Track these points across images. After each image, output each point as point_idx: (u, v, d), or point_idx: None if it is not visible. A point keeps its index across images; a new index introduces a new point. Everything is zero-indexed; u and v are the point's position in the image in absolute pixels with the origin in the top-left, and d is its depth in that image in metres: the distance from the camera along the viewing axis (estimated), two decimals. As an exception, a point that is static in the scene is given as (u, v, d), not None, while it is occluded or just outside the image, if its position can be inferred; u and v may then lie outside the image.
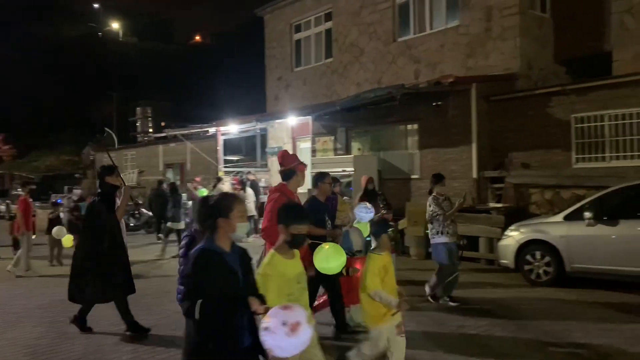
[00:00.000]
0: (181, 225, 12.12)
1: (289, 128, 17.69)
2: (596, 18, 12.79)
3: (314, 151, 16.67)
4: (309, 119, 16.22)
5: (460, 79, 12.06)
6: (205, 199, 3.22)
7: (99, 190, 6.15)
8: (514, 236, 8.75)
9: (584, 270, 7.97)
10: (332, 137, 16.20)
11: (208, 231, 3.00)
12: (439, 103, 12.73)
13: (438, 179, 7.41)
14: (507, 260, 8.78)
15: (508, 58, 12.80)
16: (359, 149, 15.60)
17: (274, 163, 18.54)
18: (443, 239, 7.10)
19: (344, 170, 13.04)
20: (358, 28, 16.49)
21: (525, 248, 8.55)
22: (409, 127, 14.15)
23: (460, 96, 12.37)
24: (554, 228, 8.31)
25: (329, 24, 17.74)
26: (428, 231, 7.42)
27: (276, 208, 4.97)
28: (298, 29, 19.17)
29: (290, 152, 16.78)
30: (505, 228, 9.37)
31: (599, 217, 7.82)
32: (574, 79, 13.27)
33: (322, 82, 17.70)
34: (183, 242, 4.25)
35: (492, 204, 11.47)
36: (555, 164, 11.34)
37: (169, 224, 12.43)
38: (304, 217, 3.51)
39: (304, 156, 17.02)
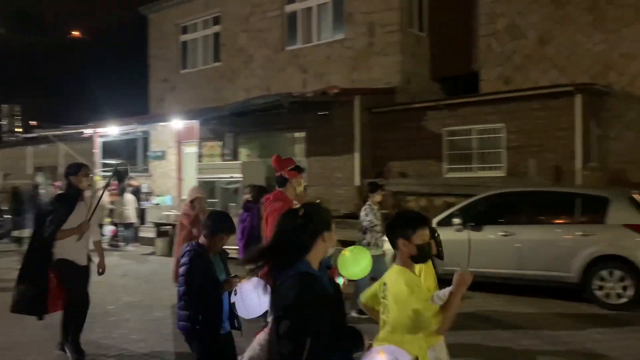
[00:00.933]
0: (25, 232, 11.14)
1: (174, 132, 17.17)
2: (467, 40, 13.95)
3: (200, 156, 16.33)
4: (195, 123, 15.87)
5: (345, 91, 12.54)
6: (293, 211, 2.56)
7: None
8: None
9: (452, 273, 8.58)
10: (220, 143, 16.00)
11: (297, 251, 2.39)
12: (325, 113, 13.11)
13: (374, 187, 7.10)
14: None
15: (389, 72, 13.54)
16: (247, 155, 15.56)
17: (156, 167, 17.86)
18: (380, 250, 6.76)
19: (231, 177, 12.92)
20: (247, 34, 16.48)
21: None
22: (297, 134, 14.40)
23: (345, 107, 12.85)
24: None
25: (217, 28, 17.54)
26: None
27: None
28: (185, 30, 18.72)
29: (174, 156, 15.97)
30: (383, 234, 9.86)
31: (466, 223, 8.49)
32: (446, 95, 14.37)
33: (210, 86, 17.42)
34: (185, 259, 3.64)
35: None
36: (429, 173, 12.18)
37: (15, 232, 11.41)
38: (426, 220, 2.99)
39: (189, 161, 16.64)
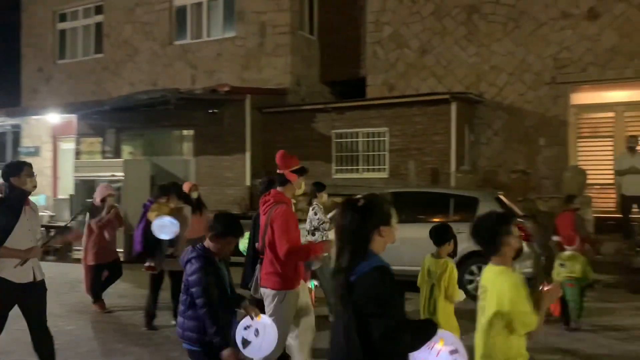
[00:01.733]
0: None
1: (49, 126, 15.92)
2: (355, 46, 14.44)
3: (78, 153, 15.29)
4: (73, 117, 14.84)
5: (235, 89, 12.43)
6: (351, 203, 2.43)
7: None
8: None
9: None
10: (100, 139, 15.09)
11: (363, 246, 2.34)
12: (215, 111, 12.89)
13: (320, 187, 7.06)
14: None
15: (280, 73, 13.64)
16: (130, 153, 14.84)
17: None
18: None
19: (112, 175, 12.24)
20: (132, 26, 15.73)
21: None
22: (185, 132, 13.99)
23: (236, 106, 12.73)
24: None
25: (99, 17, 16.54)
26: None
27: (291, 225, 4.14)
28: (63, 18, 17.43)
29: (50, 153, 14.84)
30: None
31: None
32: (336, 99, 14.77)
33: (91, 78, 16.39)
34: (195, 266, 3.33)
35: (262, 211, 12.02)
36: (318, 174, 12.41)
37: None
38: (512, 215, 2.91)
39: (66, 158, 15.53)
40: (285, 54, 13.64)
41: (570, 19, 11.73)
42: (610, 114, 11.73)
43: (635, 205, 9.55)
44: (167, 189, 6.99)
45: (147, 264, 6.51)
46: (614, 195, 10.99)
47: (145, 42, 15.52)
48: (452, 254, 4.54)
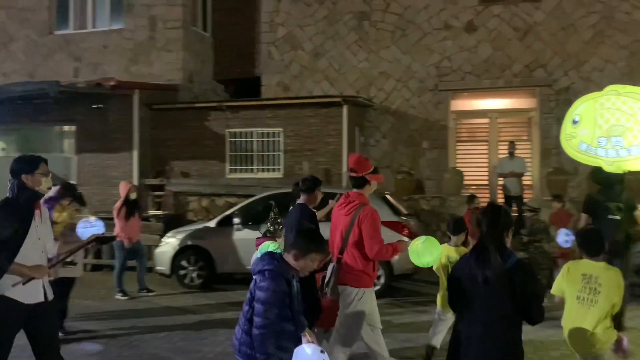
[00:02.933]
0: None
1: None
2: (249, 45, 14.38)
3: (-61, 149, 13.72)
4: None
5: (122, 84, 11.85)
6: (495, 208, 3.21)
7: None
8: (171, 242, 9.06)
9: (233, 272, 8.83)
10: (-33, 134, 13.66)
11: (504, 242, 3.05)
12: (100, 106, 12.18)
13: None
14: (164, 266, 9.01)
15: (171, 69, 13.23)
16: (3, 149, 13.59)
17: None
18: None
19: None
20: (6, 12, 14.42)
21: (181, 254, 8.94)
22: (66, 128, 13.08)
23: (123, 101, 12.14)
24: (208, 233, 8.95)
25: (-34, 0, 14.93)
26: None
27: (379, 226, 4.34)
28: None
29: None
30: (164, 235, 9.60)
31: (246, 222, 8.77)
32: (230, 97, 14.62)
33: (-45, 66, 14.76)
34: (267, 284, 3.03)
35: (151, 212, 11.61)
36: (211, 173, 12.23)
37: None
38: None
39: None
40: (176, 49, 13.25)
41: (451, 30, 12.62)
42: (485, 120, 12.79)
43: (514, 204, 10.48)
44: (72, 189, 6.52)
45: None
46: (488, 195, 12.00)
47: (21, 30, 14.28)
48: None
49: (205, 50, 14.39)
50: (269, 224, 6.47)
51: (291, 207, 5.54)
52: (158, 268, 9.13)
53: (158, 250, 9.21)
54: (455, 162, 12.62)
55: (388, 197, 8.88)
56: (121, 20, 13.65)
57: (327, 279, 4.45)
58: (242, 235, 8.72)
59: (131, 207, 8.25)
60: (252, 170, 12.23)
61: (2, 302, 3.52)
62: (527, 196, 11.39)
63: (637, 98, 5.34)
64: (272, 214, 6.55)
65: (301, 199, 5.31)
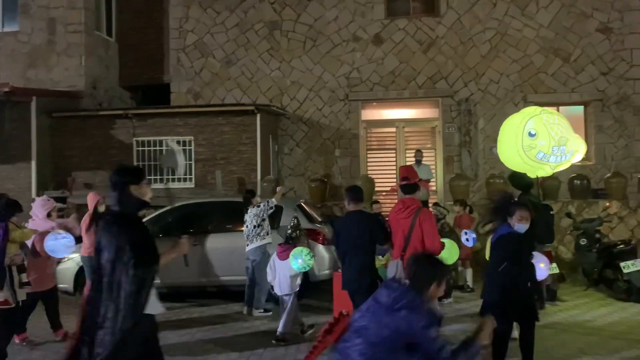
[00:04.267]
0: None
1: None
2: (158, 51, 13.98)
3: None
4: None
5: (18, 90, 11.08)
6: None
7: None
8: (74, 258, 8.54)
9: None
10: None
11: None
12: (-8, 113, 11.29)
13: (253, 194, 7.84)
14: (67, 284, 8.47)
15: (73, 75, 12.55)
16: None
17: None
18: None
19: None
20: None
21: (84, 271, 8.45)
22: (-49, 137, 11.97)
23: (19, 108, 11.34)
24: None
25: None
26: None
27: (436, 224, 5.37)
28: None
29: None
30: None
31: (156, 234, 8.46)
32: (138, 105, 14.12)
33: None
34: (423, 322, 2.59)
35: (53, 226, 10.89)
36: (118, 184, 11.70)
37: None
38: None
39: None
40: (78, 54, 12.60)
41: (359, 42, 13.04)
42: (393, 129, 13.32)
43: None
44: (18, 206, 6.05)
45: None
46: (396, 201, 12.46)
47: None
48: None
49: (111, 56, 13.81)
50: (290, 230, 6.48)
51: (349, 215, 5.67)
52: (61, 286, 8.55)
53: (60, 267, 8.63)
54: (367, 170, 13.02)
55: (303, 204, 8.97)
56: (16, 22, 12.76)
57: (393, 275, 4.95)
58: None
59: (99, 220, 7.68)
60: (161, 180, 11.85)
61: (146, 321, 3.41)
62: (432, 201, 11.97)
63: (559, 116, 6.75)
64: (293, 221, 6.56)
65: (352, 207, 5.49)
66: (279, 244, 6.43)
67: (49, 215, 6.69)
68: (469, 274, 8.45)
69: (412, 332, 2.63)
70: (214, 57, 13.41)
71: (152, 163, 11.81)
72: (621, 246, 7.96)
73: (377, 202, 9.65)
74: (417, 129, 13.49)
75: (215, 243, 8.34)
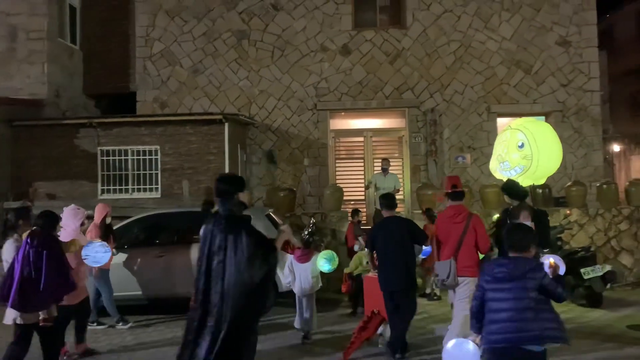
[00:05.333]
0: None
1: None
2: (124, 59, 13.75)
3: None
4: None
5: (-24, 98, 10.73)
6: None
7: None
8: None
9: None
10: None
11: None
12: (-52, 122, 10.92)
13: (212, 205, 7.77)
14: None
15: (35, 83, 12.25)
16: None
17: None
18: None
19: None
20: None
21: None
22: None
23: (-23, 117, 10.98)
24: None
25: None
26: None
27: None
28: None
29: None
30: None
31: (121, 246, 8.27)
32: (103, 113, 13.87)
33: None
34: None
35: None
36: (81, 194, 11.44)
37: None
38: None
39: None
40: (41, 61, 12.30)
41: (327, 52, 13.15)
42: (360, 139, 13.44)
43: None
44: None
45: (42, 317, 5.19)
46: (364, 209, 12.55)
47: None
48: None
49: (75, 64, 13.53)
50: (306, 233, 6.58)
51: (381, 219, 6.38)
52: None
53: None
54: (335, 179, 13.08)
55: (272, 214, 8.95)
56: (-26, 28, 12.38)
57: (447, 273, 5.52)
58: (117, 260, 8.24)
59: (107, 233, 7.46)
60: (127, 191, 11.64)
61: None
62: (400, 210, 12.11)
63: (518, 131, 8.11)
64: (312, 227, 6.68)
65: (387, 213, 6.15)
66: (297, 248, 6.68)
67: (82, 224, 6.44)
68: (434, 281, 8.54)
69: (540, 279, 3.55)
70: (181, 66, 13.30)
71: (117, 173, 11.61)
72: (581, 253, 8.21)
73: (358, 211, 9.85)
74: (384, 139, 13.64)
75: (179, 254, 8.20)
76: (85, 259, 5.93)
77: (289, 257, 6.78)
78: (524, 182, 8.23)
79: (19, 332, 5.19)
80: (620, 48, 22.31)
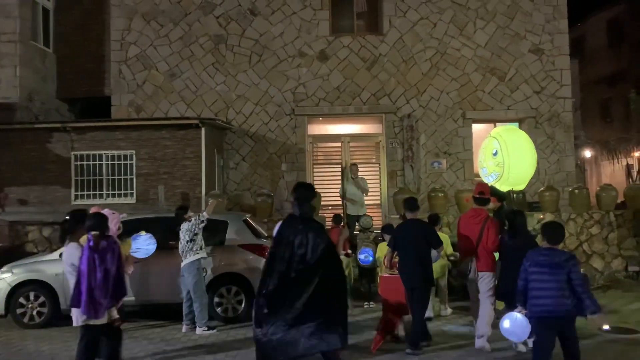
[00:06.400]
0: None
1: None
2: (98, 63, 13.54)
3: None
4: None
5: (-56, 101, 10.47)
6: None
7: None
8: (5, 278, 8.10)
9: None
10: None
11: None
12: None
13: (186, 210, 7.99)
14: (-4, 306, 8.02)
15: (7, 86, 12.04)
16: None
17: None
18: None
19: None
20: None
21: (18, 290, 8.03)
22: None
23: (-55, 120, 10.72)
24: (49, 266, 8.13)
25: None
26: None
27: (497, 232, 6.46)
28: None
29: None
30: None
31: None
32: (76, 117, 13.64)
33: None
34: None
35: (-18, 244, 10.29)
36: (54, 200, 11.24)
37: None
38: None
39: None
40: (13, 64, 12.08)
41: (305, 58, 13.17)
42: (338, 144, 13.48)
43: (357, 223, 11.05)
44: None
45: (112, 317, 5.18)
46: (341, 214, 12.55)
47: None
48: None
49: (48, 67, 13.30)
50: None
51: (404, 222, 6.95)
52: (-9, 308, 8.08)
53: (-10, 288, 8.16)
54: (313, 184, 13.06)
55: (249, 219, 8.90)
56: (-57, 29, 12.09)
57: (468, 269, 6.45)
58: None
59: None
60: (101, 196, 11.47)
61: None
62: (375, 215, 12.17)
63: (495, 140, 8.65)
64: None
65: (410, 215, 6.71)
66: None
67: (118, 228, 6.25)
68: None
69: (569, 268, 4.71)
70: (157, 70, 13.17)
71: (91, 178, 11.43)
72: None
73: (340, 217, 9.48)
74: (362, 144, 13.70)
75: (157, 260, 8.07)
76: (135, 252, 6.07)
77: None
78: (502, 187, 8.46)
79: (89, 335, 5.15)
80: (591, 56, 22.88)
